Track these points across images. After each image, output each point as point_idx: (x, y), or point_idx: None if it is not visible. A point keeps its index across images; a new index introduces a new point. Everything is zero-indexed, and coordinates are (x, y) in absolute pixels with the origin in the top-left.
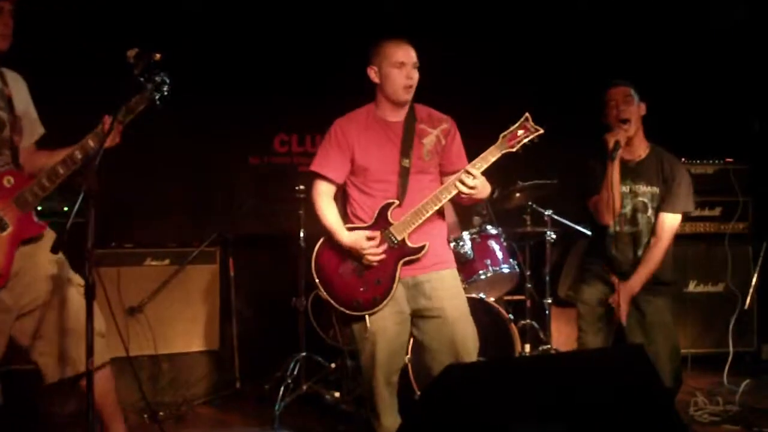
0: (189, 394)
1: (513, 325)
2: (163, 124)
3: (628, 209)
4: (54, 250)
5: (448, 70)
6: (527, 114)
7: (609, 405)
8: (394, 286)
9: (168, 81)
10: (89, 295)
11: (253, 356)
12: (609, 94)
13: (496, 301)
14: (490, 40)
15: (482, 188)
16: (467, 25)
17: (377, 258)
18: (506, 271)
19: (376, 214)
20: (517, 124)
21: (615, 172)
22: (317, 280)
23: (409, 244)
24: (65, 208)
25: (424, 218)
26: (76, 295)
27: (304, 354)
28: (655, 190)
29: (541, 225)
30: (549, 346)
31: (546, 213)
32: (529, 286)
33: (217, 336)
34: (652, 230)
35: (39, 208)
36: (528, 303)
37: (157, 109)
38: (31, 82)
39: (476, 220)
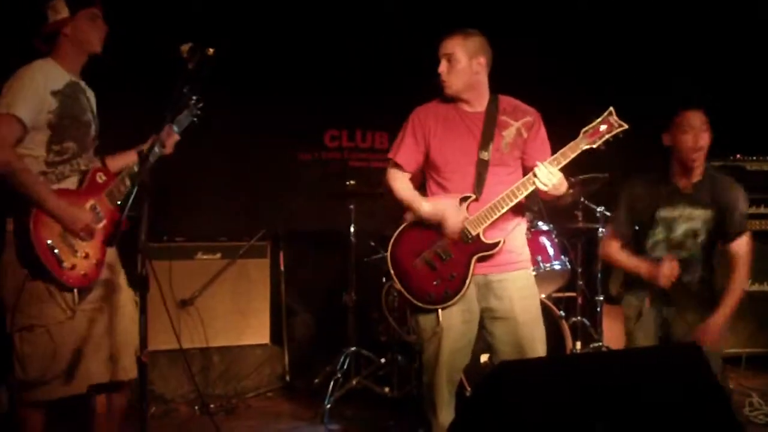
0: (240, 386)
1: (564, 322)
2: (215, 120)
3: (679, 233)
4: (108, 242)
5: (526, 67)
6: (611, 108)
7: (663, 404)
8: (468, 282)
9: (201, 103)
10: (143, 287)
11: (303, 350)
12: (685, 117)
13: (547, 298)
14: (567, 38)
15: (559, 184)
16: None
17: (457, 227)
18: (558, 267)
19: None
20: (599, 119)
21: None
22: (392, 271)
23: (484, 239)
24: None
25: (499, 214)
26: (128, 303)
27: (353, 348)
28: (709, 213)
29: (593, 221)
30: (600, 343)
31: (598, 209)
32: (581, 283)
33: (268, 330)
34: (706, 256)
35: None
36: (579, 300)
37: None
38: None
39: (528, 215)
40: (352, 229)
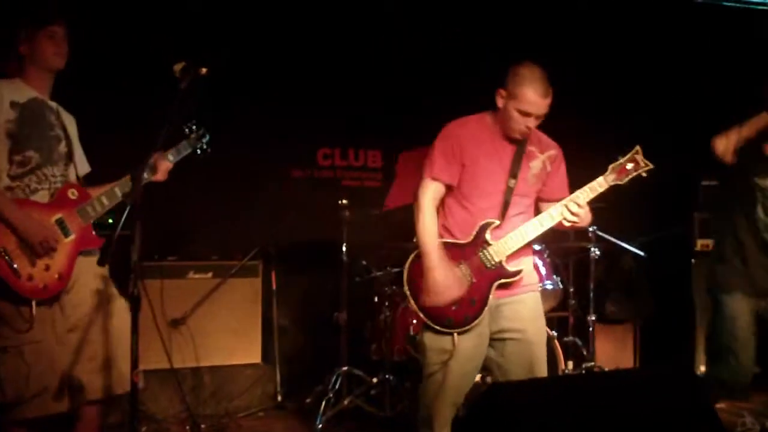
0: (231, 406)
1: (557, 342)
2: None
3: None
4: (101, 262)
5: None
6: (638, 147)
7: (653, 424)
8: (487, 307)
9: (208, 137)
10: (134, 307)
11: (294, 370)
12: None
13: None
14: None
15: (585, 217)
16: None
17: (432, 302)
18: (549, 287)
19: (475, 233)
20: (627, 157)
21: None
22: (408, 293)
23: (506, 267)
24: (110, 220)
25: (524, 242)
26: (122, 312)
27: (345, 368)
28: None
29: (584, 240)
30: (592, 363)
31: (590, 229)
32: (573, 302)
33: (259, 349)
34: None
35: None
36: (571, 320)
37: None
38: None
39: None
40: (344, 248)
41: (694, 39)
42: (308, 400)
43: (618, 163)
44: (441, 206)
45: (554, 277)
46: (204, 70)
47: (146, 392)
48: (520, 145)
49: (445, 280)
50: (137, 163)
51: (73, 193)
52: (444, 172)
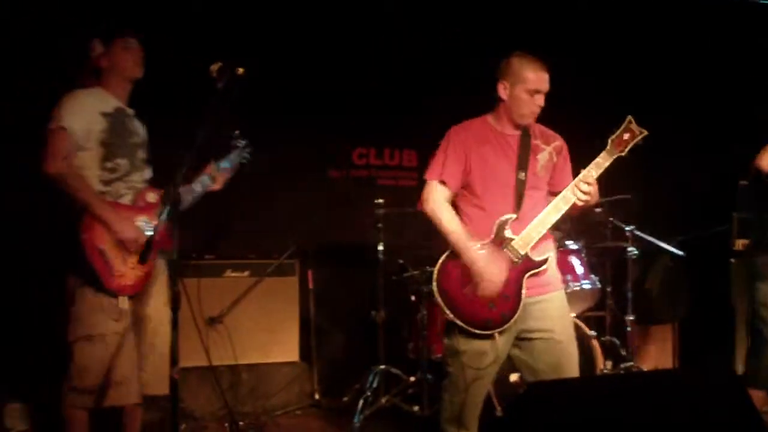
0: (268, 404)
1: (595, 341)
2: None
3: None
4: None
5: None
6: (630, 117)
7: (694, 425)
8: (522, 302)
9: (249, 147)
10: (174, 305)
11: (332, 368)
12: None
13: (576, 317)
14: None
15: (595, 195)
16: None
17: (491, 290)
18: (587, 287)
19: (495, 229)
20: (622, 128)
21: None
22: (441, 302)
23: (533, 257)
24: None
25: (545, 230)
26: (167, 316)
27: (383, 367)
28: None
29: (622, 240)
30: (631, 363)
31: (627, 228)
32: (610, 302)
33: (297, 347)
34: None
35: None
36: (608, 319)
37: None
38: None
39: (556, 234)
40: (380, 247)
41: (736, 37)
42: (345, 399)
43: (615, 135)
44: (456, 212)
45: (592, 276)
46: (241, 70)
47: (184, 390)
48: (525, 139)
49: (491, 266)
50: (177, 165)
51: (152, 197)
52: (450, 175)
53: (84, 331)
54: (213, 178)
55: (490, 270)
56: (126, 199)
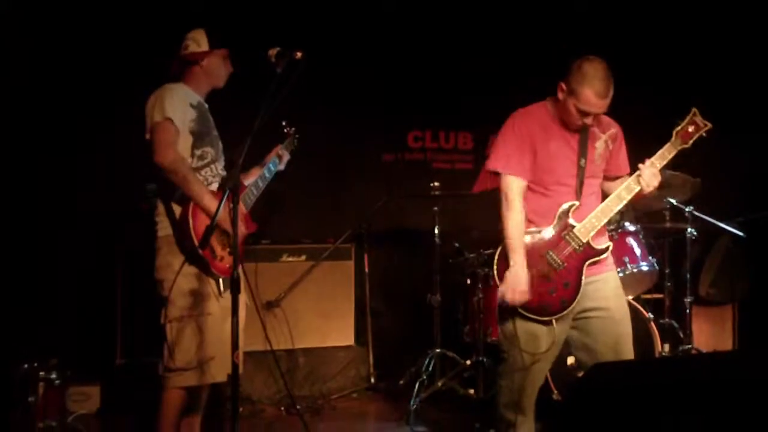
0: (325, 387)
1: (653, 324)
2: (298, 122)
3: None
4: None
5: None
6: (695, 109)
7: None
8: (582, 288)
9: (297, 135)
10: (234, 289)
11: (387, 352)
12: None
13: (634, 300)
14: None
15: (658, 185)
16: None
17: (513, 300)
18: (645, 269)
19: (557, 217)
20: (686, 120)
21: None
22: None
23: (594, 245)
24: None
25: (608, 218)
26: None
27: (438, 350)
28: None
29: (681, 221)
30: (690, 345)
31: (687, 209)
32: (669, 284)
33: (352, 331)
34: None
35: None
36: (666, 302)
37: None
38: None
39: (614, 216)
40: (436, 231)
41: None
42: (401, 382)
43: (680, 127)
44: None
45: (650, 258)
46: (299, 54)
47: (242, 374)
48: (583, 127)
49: (525, 280)
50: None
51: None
52: (522, 167)
53: (188, 312)
54: (280, 157)
55: (523, 283)
56: (213, 187)
